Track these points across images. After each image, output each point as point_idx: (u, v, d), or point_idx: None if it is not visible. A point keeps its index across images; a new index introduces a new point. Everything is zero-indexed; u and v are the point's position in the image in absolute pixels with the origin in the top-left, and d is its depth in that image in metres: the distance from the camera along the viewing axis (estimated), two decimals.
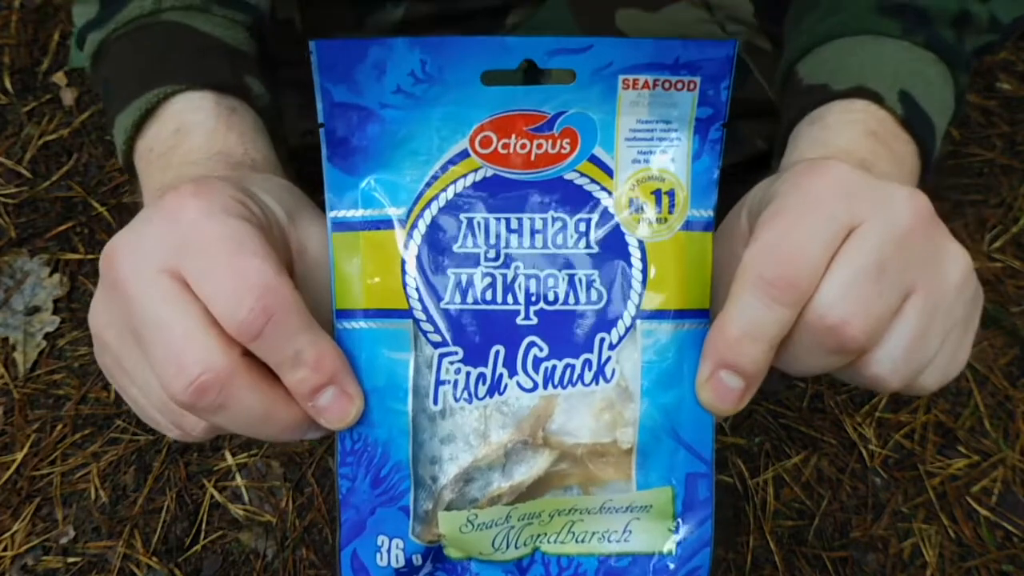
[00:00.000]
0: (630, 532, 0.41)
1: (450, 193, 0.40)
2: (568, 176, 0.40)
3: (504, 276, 0.40)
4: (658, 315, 0.40)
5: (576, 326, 0.40)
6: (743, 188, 0.44)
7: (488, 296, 0.40)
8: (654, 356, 0.40)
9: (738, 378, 0.37)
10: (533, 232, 0.40)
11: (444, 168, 0.40)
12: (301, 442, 1.05)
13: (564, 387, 0.40)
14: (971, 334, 0.41)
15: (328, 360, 0.38)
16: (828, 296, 0.36)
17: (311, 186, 0.44)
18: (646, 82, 0.39)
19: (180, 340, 0.35)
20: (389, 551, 0.41)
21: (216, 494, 1.03)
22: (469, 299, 0.40)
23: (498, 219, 0.40)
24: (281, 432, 0.39)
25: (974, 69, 0.55)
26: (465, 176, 0.40)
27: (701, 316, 0.41)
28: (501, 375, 0.40)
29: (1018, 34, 0.67)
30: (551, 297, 0.40)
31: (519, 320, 0.40)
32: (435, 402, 0.40)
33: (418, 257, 0.40)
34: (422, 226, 0.40)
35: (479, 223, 0.40)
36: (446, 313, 0.40)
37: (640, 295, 0.40)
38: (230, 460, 1.05)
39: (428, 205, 0.40)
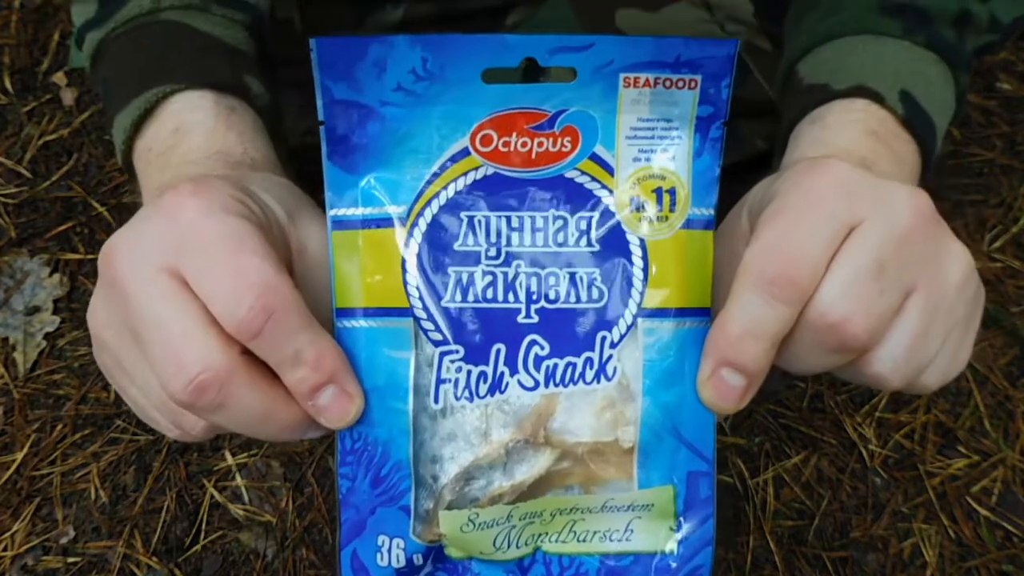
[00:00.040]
0: (632, 531, 0.41)
1: (451, 191, 0.40)
2: (569, 174, 0.40)
3: (505, 274, 0.40)
4: (659, 313, 0.40)
5: (577, 324, 0.40)
6: (743, 187, 0.44)
7: (489, 294, 0.40)
8: (655, 354, 0.40)
9: (740, 376, 0.37)
10: (534, 230, 0.40)
11: (444, 166, 0.40)
12: (301, 442, 1.05)
13: (565, 386, 0.40)
14: (973, 333, 0.41)
15: (328, 359, 0.38)
16: (829, 294, 0.36)
17: (311, 186, 0.44)
18: (647, 80, 0.39)
19: (179, 339, 0.35)
20: (390, 551, 0.41)
21: (216, 494, 1.03)
22: (470, 297, 0.40)
23: (499, 217, 0.40)
24: (281, 431, 0.38)
25: (974, 69, 0.55)
26: (466, 174, 0.40)
27: (702, 314, 0.40)
28: (502, 374, 0.40)
29: (1018, 34, 0.67)
30: (552, 295, 0.40)
31: (520, 318, 0.40)
32: (436, 401, 0.40)
33: (418, 255, 0.40)
34: (422, 224, 0.40)
35: (480, 221, 0.40)
36: (447, 311, 0.40)
37: (641, 293, 0.40)
38: (230, 460, 1.05)
39: (428, 203, 0.40)
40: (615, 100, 0.39)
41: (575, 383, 0.40)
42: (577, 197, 0.40)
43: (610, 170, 0.40)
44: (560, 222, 0.40)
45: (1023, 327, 1.14)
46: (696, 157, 0.40)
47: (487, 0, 0.70)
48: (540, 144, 0.40)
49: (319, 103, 0.39)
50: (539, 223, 0.40)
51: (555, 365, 0.40)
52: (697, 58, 0.39)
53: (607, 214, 0.40)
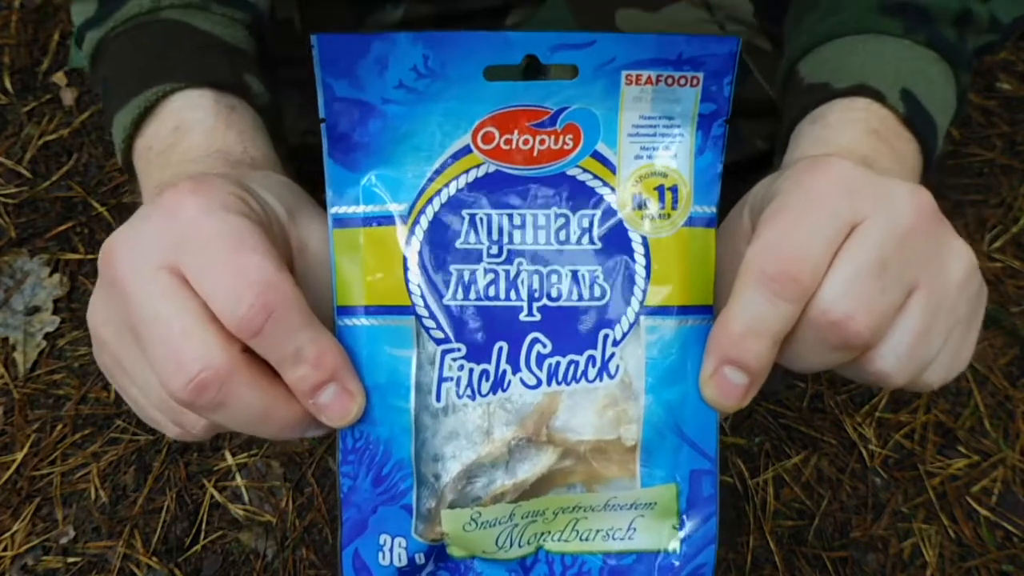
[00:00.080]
0: (634, 530, 0.41)
1: (452, 189, 0.40)
2: (571, 172, 0.40)
3: (507, 272, 0.40)
4: (662, 311, 0.40)
5: (579, 322, 0.40)
6: (745, 186, 0.44)
7: (491, 292, 0.40)
8: (658, 352, 0.40)
9: (742, 374, 0.37)
10: (536, 228, 0.40)
11: (446, 164, 0.40)
12: (301, 441, 1.05)
13: (568, 384, 0.40)
14: (975, 331, 0.41)
15: (329, 357, 0.38)
16: (831, 292, 0.36)
17: (311, 185, 0.44)
18: (649, 78, 0.39)
19: (179, 337, 0.35)
20: (391, 550, 0.41)
21: (216, 494, 1.03)
22: (472, 295, 0.40)
23: (500, 215, 0.40)
24: (282, 430, 0.38)
25: (974, 69, 0.55)
26: (467, 172, 0.40)
27: (705, 312, 0.40)
28: (504, 372, 0.40)
29: (1018, 34, 0.67)
30: (554, 293, 0.40)
31: (522, 316, 0.40)
32: (438, 399, 0.40)
33: (420, 253, 0.40)
34: (424, 222, 0.40)
35: (481, 219, 0.40)
36: (448, 309, 0.40)
37: (644, 291, 0.40)
38: (230, 460, 1.05)
39: (430, 201, 0.40)
40: (617, 97, 0.39)
41: (577, 381, 0.40)
42: (579, 195, 0.40)
43: (612, 168, 0.40)
44: (562, 220, 0.40)
45: (1023, 327, 1.14)
46: (698, 155, 0.40)
47: (487, 1, 0.70)
48: (542, 142, 0.40)
49: (320, 100, 0.39)
50: (541, 221, 0.40)
51: (557, 363, 0.40)
52: (699, 55, 0.38)
53: (609, 212, 0.40)
